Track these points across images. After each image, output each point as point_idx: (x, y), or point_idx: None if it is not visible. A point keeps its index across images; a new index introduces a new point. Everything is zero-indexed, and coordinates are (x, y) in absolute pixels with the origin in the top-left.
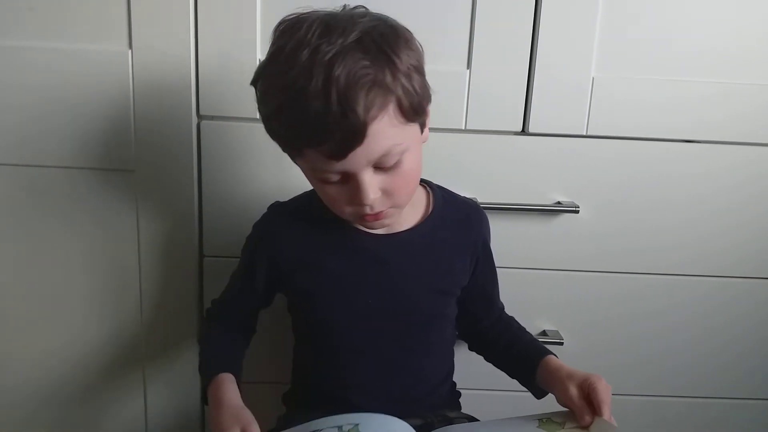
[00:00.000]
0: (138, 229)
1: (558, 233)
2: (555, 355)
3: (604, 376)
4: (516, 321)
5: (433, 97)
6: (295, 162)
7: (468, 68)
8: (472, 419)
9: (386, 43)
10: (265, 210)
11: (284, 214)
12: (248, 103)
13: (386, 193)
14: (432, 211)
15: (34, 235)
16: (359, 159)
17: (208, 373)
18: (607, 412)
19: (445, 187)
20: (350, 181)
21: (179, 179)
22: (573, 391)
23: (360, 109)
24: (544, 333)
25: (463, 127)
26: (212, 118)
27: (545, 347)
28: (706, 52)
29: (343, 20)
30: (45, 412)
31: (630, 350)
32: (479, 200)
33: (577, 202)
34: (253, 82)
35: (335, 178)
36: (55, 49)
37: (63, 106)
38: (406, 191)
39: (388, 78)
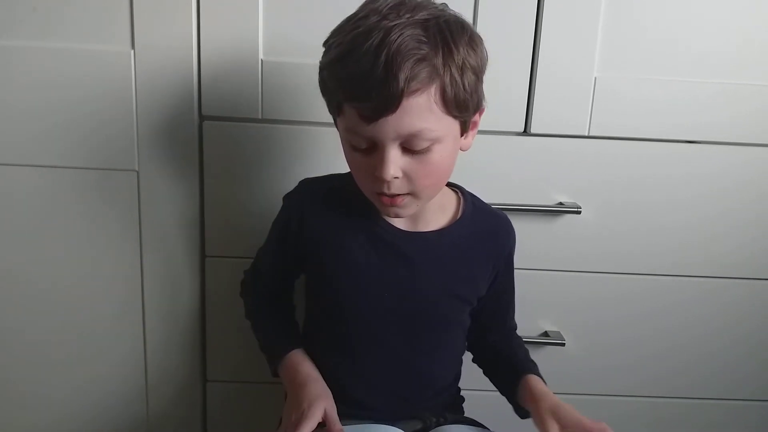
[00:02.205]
0: (140, 229)
1: (560, 234)
2: (542, 378)
3: (605, 377)
4: (519, 338)
5: None
6: (336, 124)
7: None
8: (473, 422)
9: (449, 31)
10: (281, 198)
11: (317, 188)
12: (251, 103)
13: (407, 176)
14: (461, 216)
15: (36, 235)
16: (389, 129)
17: (276, 354)
18: None
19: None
20: (376, 152)
21: (181, 179)
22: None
23: (401, 78)
24: (545, 334)
25: None
26: (215, 118)
27: (533, 365)
28: (708, 52)
29: (418, 1)
30: (45, 410)
31: (631, 351)
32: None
33: (580, 203)
34: (325, 43)
35: (364, 144)
36: (57, 50)
37: (66, 106)
38: (427, 183)
39: (439, 61)
